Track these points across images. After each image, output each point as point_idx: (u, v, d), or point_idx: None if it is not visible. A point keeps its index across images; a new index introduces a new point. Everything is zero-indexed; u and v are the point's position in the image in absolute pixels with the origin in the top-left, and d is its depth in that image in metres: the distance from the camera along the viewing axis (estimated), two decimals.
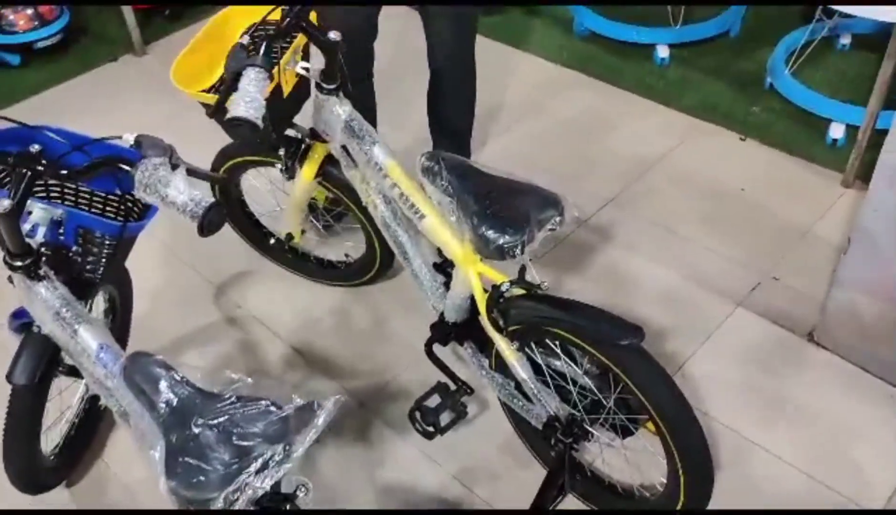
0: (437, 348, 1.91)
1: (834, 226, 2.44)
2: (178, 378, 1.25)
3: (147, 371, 1.27)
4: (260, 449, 1.16)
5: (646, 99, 3.04)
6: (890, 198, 1.80)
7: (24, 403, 1.62)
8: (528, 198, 1.54)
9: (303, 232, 2.23)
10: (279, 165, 2.02)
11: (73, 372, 1.81)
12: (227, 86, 1.51)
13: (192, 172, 1.28)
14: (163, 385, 1.24)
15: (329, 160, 1.97)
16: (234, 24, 2.03)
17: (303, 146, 1.98)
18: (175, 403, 1.23)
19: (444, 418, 1.81)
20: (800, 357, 2.11)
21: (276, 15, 1.69)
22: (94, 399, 1.94)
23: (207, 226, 1.23)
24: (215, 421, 1.19)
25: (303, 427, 1.20)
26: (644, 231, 2.49)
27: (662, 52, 3.19)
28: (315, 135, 1.93)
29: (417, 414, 1.81)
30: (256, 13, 2.01)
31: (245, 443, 1.17)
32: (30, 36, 3.36)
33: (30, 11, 3.35)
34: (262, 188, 2.31)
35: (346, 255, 2.32)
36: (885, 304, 1.93)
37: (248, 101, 1.42)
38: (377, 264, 2.19)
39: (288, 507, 1.29)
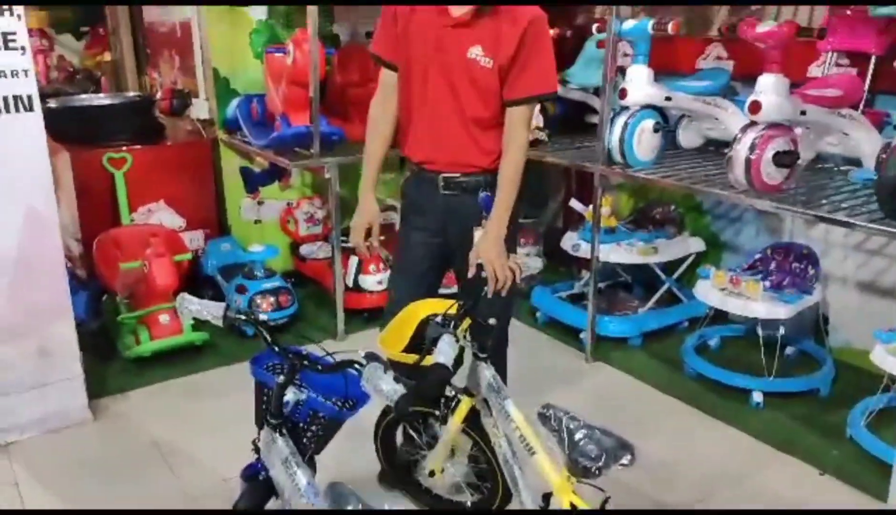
0: None
1: None
2: (359, 499, 1.93)
3: (341, 494, 1.96)
4: None
5: (738, 430, 3.60)
6: None
7: None
8: (610, 439, 2.18)
9: (443, 470, 2.90)
10: (437, 413, 2.77)
11: None
12: (428, 346, 2.34)
13: (396, 378, 2.08)
14: (349, 504, 1.93)
15: (471, 411, 2.71)
16: (417, 314, 2.95)
17: (456, 400, 2.75)
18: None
19: None
20: None
21: (439, 308, 2.56)
22: None
23: (399, 408, 1.99)
24: None
25: None
26: None
27: (757, 397, 3.79)
28: (466, 391, 2.70)
29: None
30: (431, 309, 2.94)
31: None
32: (268, 315, 4.55)
33: (272, 299, 4.59)
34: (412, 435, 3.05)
35: (472, 493, 2.93)
36: None
37: (446, 355, 2.19)
38: (498, 500, 2.77)
39: None
